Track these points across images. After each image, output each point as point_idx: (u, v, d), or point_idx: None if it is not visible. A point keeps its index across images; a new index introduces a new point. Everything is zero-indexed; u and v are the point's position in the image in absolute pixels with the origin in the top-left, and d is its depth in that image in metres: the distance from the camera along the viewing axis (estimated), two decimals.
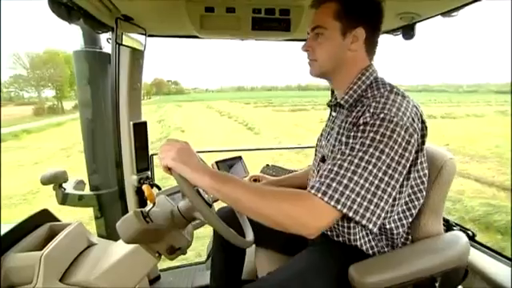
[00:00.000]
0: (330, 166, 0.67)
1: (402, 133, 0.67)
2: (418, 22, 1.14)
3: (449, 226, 1.14)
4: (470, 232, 1.10)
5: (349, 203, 0.63)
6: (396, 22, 1.13)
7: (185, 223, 0.80)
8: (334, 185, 0.64)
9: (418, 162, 0.77)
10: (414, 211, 0.81)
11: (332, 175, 0.65)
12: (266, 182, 1.26)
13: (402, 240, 0.83)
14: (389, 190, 0.65)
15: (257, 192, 0.66)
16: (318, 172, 0.90)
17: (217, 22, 1.08)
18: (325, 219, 0.65)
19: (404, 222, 0.81)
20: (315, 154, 1.00)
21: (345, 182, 0.64)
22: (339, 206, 0.63)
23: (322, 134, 0.98)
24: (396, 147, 0.66)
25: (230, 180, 0.67)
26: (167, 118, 17.86)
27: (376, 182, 0.64)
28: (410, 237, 0.85)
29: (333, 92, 1.67)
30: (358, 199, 0.63)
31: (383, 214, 0.65)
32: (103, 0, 0.89)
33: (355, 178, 0.64)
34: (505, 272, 0.93)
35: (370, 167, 0.64)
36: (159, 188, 1.41)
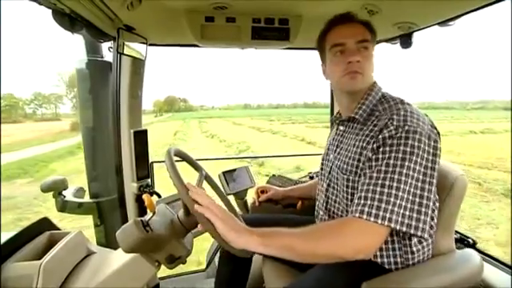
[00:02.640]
0: (371, 187, 0.68)
1: (427, 141, 0.70)
2: (415, 31, 1.16)
3: None
4: (470, 240, 1.10)
5: (400, 219, 0.65)
6: (394, 31, 1.15)
7: (184, 232, 0.80)
8: (383, 205, 0.65)
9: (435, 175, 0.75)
10: (435, 228, 0.81)
11: (377, 196, 0.67)
12: (274, 193, 1.26)
13: (417, 257, 0.81)
14: (431, 196, 0.69)
15: (307, 235, 0.68)
16: (329, 185, 0.91)
17: (217, 32, 1.10)
18: (379, 239, 0.67)
19: (429, 240, 0.81)
20: (321, 169, 1.00)
21: (392, 199, 0.66)
22: (393, 224, 0.65)
23: (328, 148, 0.98)
24: (426, 155, 0.69)
25: (275, 233, 0.69)
26: (217, 134, 18.22)
27: (419, 191, 0.67)
28: (423, 254, 0.82)
29: (332, 109, 1.68)
30: (407, 212, 0.66)
31: (428, 219, 0.68)
32: (106, 11, 0.90)
33: (400, 193, 0.66)
34: (505, 280, 0.93)
35: (410, 180, 0.67)
36: (159, 196, 1.41)
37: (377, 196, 0.66)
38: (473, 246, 1.08)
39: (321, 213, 0.95)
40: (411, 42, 1.21)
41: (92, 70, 1.42)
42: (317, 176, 1.45)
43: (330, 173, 0.92)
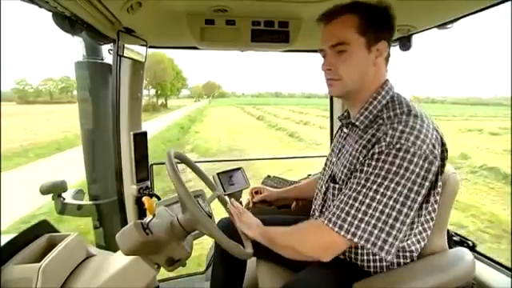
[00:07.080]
0: (345, 198, 0.69)
1: (421, 162, 0.65)
2: (414, 33, 1.17)
3: (449, 236, 1.13)
4: (470, 242, 1.10)
5: (365, 235, 0.66)
6: None
7: (184, 234, 0.79)
8: (349, 219, 0.67)
9: (438, 184, 0.75)
10: (429, 232, 0.80)
11: (347, 208, 0.67)
12: (268, 194, 1.24)
13: (408, 258, 0.81)
14: (407, 220, 0.66)
15: (284, 231, 0.80)
16: (327, 189, 0.88)
17: (217, 34, 1.10)
18: (339, 248, 0.71)
19: (422, 243, 0.81)
20: (324, 169, 0.97)
21: (359, 215, 0.66)
22: (356, 239, 0.66)
23: (332, 150, 0.94)
24: (413, 177, 0.64)
25: (269, 228, 0.86)
26: (310, 121, 19.68)
27: (394, 213, 0.65)
28: (414, 254, 0.82)
29: (332, 102, 1.68)
30: (375, 231, 0.65)
31: (397, 243, 0.66)
32: (106, 14, 0.90)
33: (370, 211, 0.65)
34: (505, 283, 0.92)
35: (385, 200, 0.64)
36: (158, 198, 1.41)
37: (346, 208, 0.67)
38: (472, 248, 1.08)
39: (316, 214, 0.93)
40: (410, 44, 1.22)
41: (92, 72, 1.42)
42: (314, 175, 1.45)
43: (330, 176, 0.89)
